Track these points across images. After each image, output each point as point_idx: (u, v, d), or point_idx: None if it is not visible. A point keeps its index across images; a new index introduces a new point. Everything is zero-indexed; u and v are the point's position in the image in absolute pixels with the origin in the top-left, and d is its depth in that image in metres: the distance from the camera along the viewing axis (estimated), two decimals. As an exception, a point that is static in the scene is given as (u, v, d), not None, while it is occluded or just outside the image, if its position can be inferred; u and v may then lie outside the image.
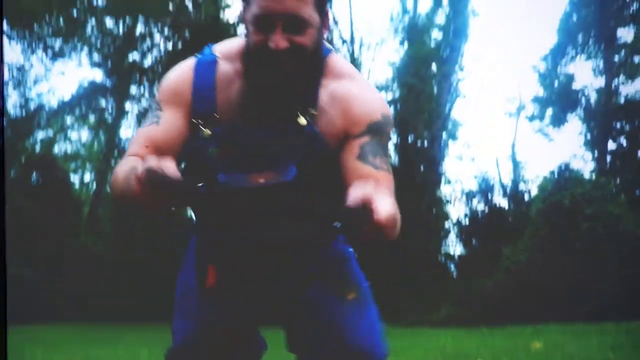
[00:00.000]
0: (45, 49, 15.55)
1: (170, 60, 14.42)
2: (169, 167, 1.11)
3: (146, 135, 1.41)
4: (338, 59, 1.50)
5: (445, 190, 16.72)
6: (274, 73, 1.36)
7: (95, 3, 15.60)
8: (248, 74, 1.42)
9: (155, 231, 13.79)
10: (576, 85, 16.83)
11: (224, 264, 1.54)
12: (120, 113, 16.71)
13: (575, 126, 20.52)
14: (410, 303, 12.94)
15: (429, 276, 14.12)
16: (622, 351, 5.96)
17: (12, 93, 15.28)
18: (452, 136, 17.38)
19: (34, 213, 13.01)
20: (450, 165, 22.57)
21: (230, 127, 1.41)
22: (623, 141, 15.89)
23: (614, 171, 15.40)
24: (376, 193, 1.12)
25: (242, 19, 1.42)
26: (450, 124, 17.19)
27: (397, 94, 16.35)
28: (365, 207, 1.08)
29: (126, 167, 1.30)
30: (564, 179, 12.88)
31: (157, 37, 16.37)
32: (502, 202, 16.48)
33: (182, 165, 1.49)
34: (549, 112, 17.22)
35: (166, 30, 16.18)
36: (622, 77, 16.13)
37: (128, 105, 16.84)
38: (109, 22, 15.97)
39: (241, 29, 15.80)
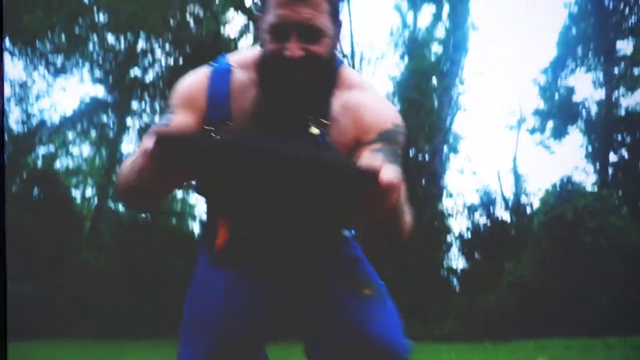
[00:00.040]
0: (47, 66, 15.61)
1: (171, 75, 14.48)
2: (177, 127, 1.10)
3: None
4: (350, 70, 1.51)
5: (447, 203, 16.67)
6: (289, 81, 1.36)
7: (97, 19, 15.68)
8: (263, 82, 1.42)
9: (156, 247, 13.77)
10: (576, 98, 16.86)
11: (236, 220, 1.49)
12: (122, 128, 16.76)
13: (576, 138, 20.57)
14: (413, 317, 12.86)
15: (431, 290, 14.04)
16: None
17: (14, 109, 15.34)
18: (454, 150, 17.39)
19: (36, 228, 13.00)
20: (452, 179, 22.60)
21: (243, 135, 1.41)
22: (624, 153, 15.87)
23: (616, 183, 15.37)
24: (384, 162, 1.15)
25: (257, 27, 1.43)
26: (451, 138, 17.20)
27: (397, 108, 16.27)
28: (371, 169, 1.08)
29: (132, 158, 1.30)
30: (566, 192, 12.85)
31: (159, 52, 16.44)
32: (504, 215, 16.42)
33: None
34: (550, 124, 17.21)
35: (167, 46, 16.25)
36: (622, 89, 16.16)
37: (129, 121, 16.89)
38: (110, 38, 16.05)
39: (242, 44, 15.88)
